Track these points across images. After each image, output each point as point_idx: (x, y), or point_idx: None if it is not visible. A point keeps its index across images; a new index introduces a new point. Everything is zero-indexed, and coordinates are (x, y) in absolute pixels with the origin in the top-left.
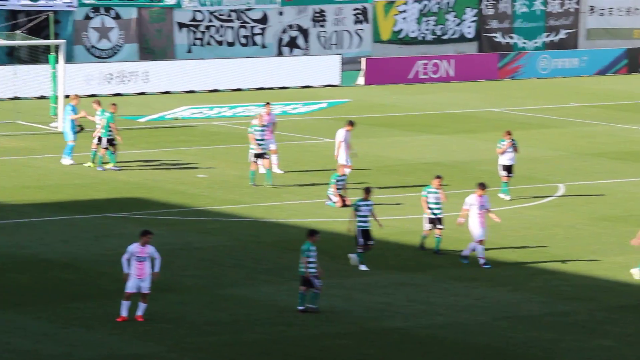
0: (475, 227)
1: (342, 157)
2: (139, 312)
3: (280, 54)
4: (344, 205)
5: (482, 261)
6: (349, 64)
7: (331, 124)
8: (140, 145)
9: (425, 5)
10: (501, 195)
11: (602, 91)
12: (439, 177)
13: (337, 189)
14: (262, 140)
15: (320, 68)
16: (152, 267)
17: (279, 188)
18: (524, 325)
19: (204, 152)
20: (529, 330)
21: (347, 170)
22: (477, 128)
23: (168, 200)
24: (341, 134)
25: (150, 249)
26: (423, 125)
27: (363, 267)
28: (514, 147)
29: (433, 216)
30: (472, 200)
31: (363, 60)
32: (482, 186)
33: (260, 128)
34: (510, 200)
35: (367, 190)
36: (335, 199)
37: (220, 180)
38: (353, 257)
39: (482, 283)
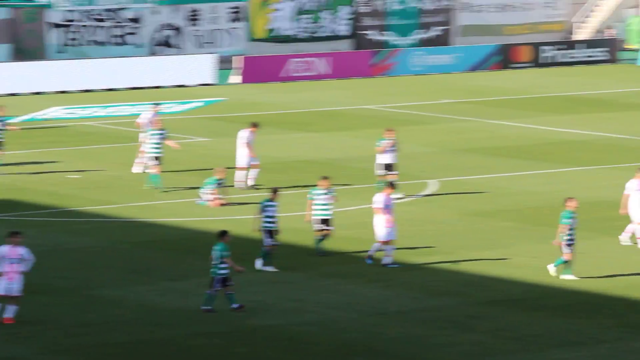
0: (380, 227)
1: (243, 159)
2: (9, 315)
3: (154, 53)
4: (221, 205)
5: (388, 260)
6: (224, 63)
7: (206, 123)
8: (10, 147)
9: (299, 3)
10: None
11: (475, 87)
12: (326, 177)
13: (216, 190)
14: (159, 143)
15: (195, 67)
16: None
17: (152, 188)
18: (394, 321)
19: (77, 153)
20: (400, 326)
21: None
22: (352, 125)
23: (38, 202)
24: (245, 134)
25: (22, 250)
26: (297, 123)
27: (269, 269)
28: (395, 145)
29: (324, 217)
30: (381, 199)
31: (238, 59)
32: (391, 185)
33: (158, 132)
34: (399, 198)
35: (274, 191)
36: (207, 197)
37: (93, 181)
38: (259, 263)
39: (353, 280)
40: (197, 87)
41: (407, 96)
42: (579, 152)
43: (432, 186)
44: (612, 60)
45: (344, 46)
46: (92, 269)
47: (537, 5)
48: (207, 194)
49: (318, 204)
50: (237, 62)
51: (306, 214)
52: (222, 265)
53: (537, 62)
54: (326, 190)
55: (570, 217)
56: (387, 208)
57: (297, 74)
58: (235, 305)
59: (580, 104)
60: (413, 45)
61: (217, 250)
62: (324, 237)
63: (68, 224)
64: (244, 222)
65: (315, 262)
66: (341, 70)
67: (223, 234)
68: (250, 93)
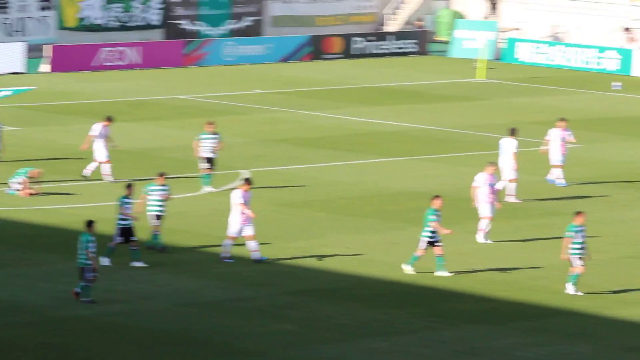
0: (234, 222)
1: (100, 153)
2: None
3: None
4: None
5: (226, 255)
6: (34, 51)
7: (15, 112)
8: None
9: None
10: (205, 188)
11: (286, 78)
12: (162, 173)
13: (26, 179)
14: None
15: (3, 55)
16: None
17: None
18: (206, 311)
19: None
20: (212, 316)
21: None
22: (163, 115)
23: None
24: (97, 128)
25: None
26: (108, 113)
27: (106, 262)
28: (217, 140)
29: (160, 213)
30: (240, 195)
31: (48, 48)
32: (248, 181)
33: None
34: (211, 191)
35: (129, 187)
36: (17, 186)
37: None
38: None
39: (165, 269)
40: (7, 75)
41: (219, 86)
42: (390, 143)
43: (245, 176)
44: (423, 52)
45: (156, 35)
46: None
47: None
48: (17, 184)
49: (153, 200)
50: (47, 51)
51: (141, 208)
52: (83, 256)
53: (348, 53)
54: (161, 186)
55: (435, 215)
56: (245, 204)
57: (107, 63)
58: (85, 299)
59: (391, 96)
60: (225, 35)
61: (82, 241)
62: (157, 232)
63: None
64: (52, 212)
65: (125, 252)
66: (152, 59)
67: (89, 224)
68: (60, 82)
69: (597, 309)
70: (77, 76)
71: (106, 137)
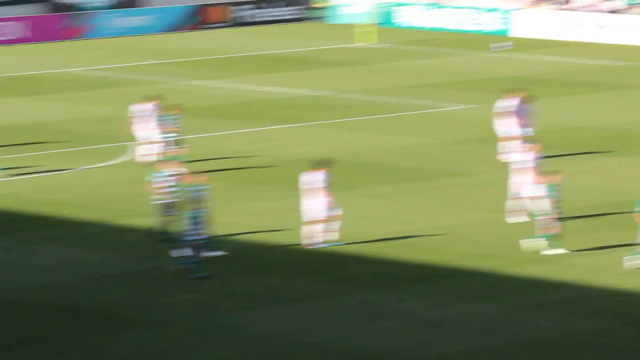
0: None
1: None
2: None
3: None
4: None
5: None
6: None
7: None
8: None
9: None
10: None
11: (171, 48)
12: None
13: None
14: None
15: None
16: None
17: None
18: (111, 283)
19: None
20: (119, 289)
21: None
22: (52, 89)
23: None
24: None
25: None
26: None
27: None
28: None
29: None
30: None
31: None
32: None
33: None
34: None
35: None
36: None
37: None
38: None
39: (69, 242)
40: None
41: (105, 59)
42: (279, 110)
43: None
44: (302, 19)
45: (38, 9)
46: None
47: None
48: None
49: None
50: None
51: None
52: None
53: (232, 22)
54: None
55: (555, 190)
56: None
57: None
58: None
59: (276, 63)
60: (107, 7)
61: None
62: None
63: None
64: None
65: (27, 227)
66: (35, 34)
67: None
68: None
69: (500, 268)
70: None
71: None
